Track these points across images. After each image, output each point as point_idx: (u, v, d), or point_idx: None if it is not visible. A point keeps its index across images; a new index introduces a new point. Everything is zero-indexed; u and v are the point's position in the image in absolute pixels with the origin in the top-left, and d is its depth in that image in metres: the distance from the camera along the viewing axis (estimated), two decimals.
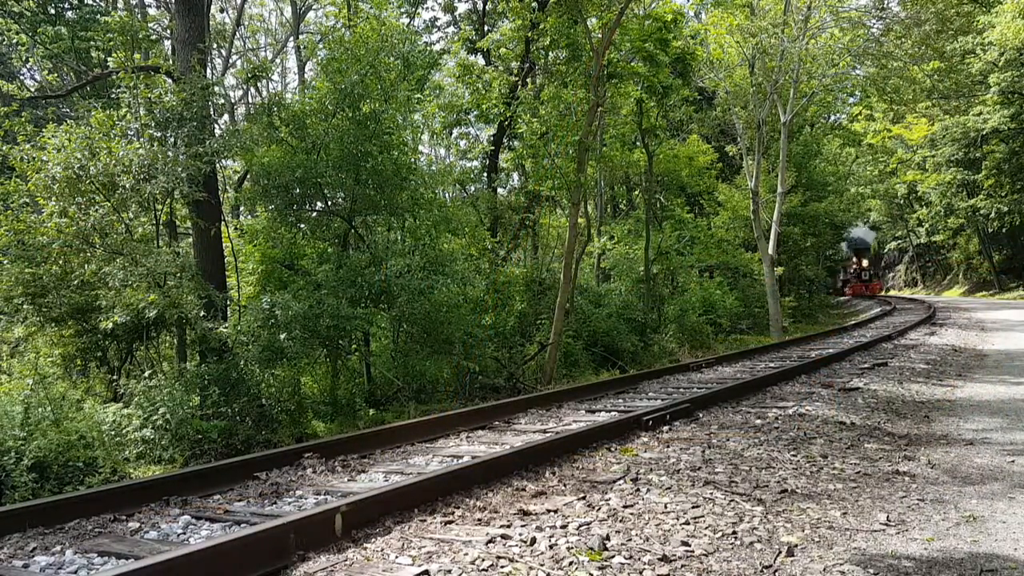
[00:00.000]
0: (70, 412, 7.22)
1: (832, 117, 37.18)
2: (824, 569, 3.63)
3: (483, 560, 3.64)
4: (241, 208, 17.88)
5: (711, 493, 4.84)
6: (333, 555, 3.84)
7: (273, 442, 8.21)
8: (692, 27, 22.96)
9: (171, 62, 10.92)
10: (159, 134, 10.04)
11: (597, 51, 14.01)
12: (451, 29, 24.60)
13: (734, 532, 4.12)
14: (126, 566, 3.33)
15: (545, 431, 7.34)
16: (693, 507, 4.53)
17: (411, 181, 11.83)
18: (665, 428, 7.27)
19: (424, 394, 10.83)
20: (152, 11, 22.49)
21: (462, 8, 25.13)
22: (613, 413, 8.25)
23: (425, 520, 4.39)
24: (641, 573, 3.53)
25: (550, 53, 18.51)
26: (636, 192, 28.64)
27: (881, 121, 39.34)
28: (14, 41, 18.21)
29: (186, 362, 9.78)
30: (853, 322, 26.36)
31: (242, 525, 4.52)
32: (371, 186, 11.25)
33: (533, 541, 3.90)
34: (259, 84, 16.82)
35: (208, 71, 11.20)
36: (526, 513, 4.46)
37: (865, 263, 52.88)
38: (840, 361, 13.17)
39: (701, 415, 7.97)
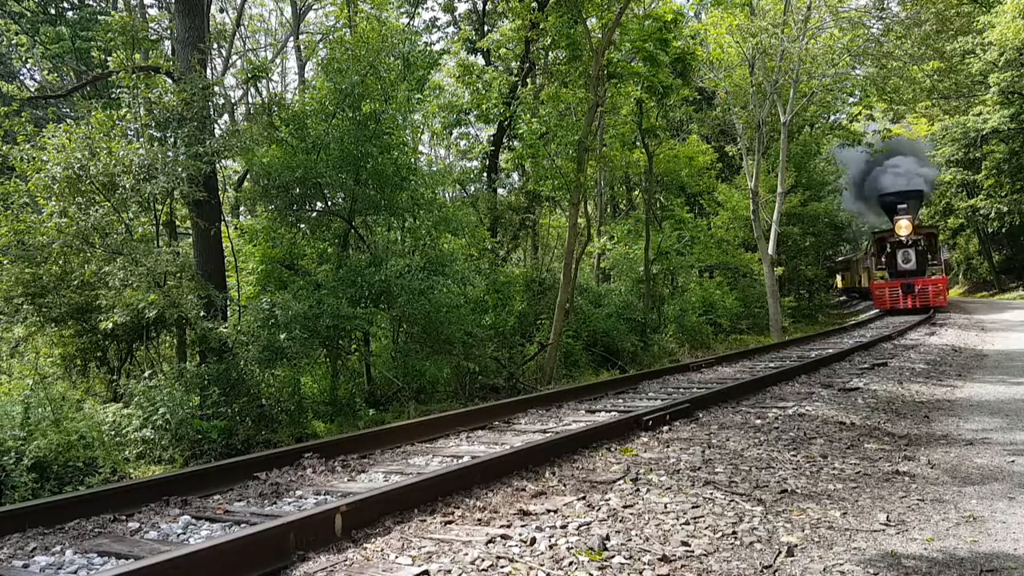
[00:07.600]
0: (70, 412, 7.21)
1: (832, 117, 37.11)
2: (824, 569, 3.63)
3: (483, 560, 3.64)
4: (241, 208, 17.90)
5: (711, 493, 4.84)
6: (333, 555, 3.84)
7: (273, 442, 8.20)
8: (692, 27, 22.91)
9: (171, 62, 10.91)
10: (159, 134, 10.03)
11: (597, 51, 14.00)
12: (451, 29, 24.58)
13: (734, 532, 4.12)
14: (126, 566, 3.33)
15: (545, 431, 7.34)
16: (693, 507, 4.53)
17: (411, 181, 11.83)
18: (665, 428, 7.26)
19: (424, 394, 10.81)
20: (152, 11, 22.50)
21: (462, 8, 25.12)
22: (613, 413, 8.24)
23: (425, 520, 4.39)
24: (641, 573, 3.53)
25: (550, 53, 18.53)
26: (636, 192, 28.63)
27: (881, 121, 39.30)
28: (14, 41, 18.24)
29: (186, 362, 9.77)
30: (853, 322, 26.36)
31: (242, 525, 4.51)
32: (371, 186, 11.25)
33: (533, 541, 3.90)
34: (259, 84, 16.80)
35: (208, 71, 11.22)
36: (526, 513, 4.45)
37: (905, 226, 27.24)
38: (840, 361, 13.18)
39: (701, 415, 7.97)
